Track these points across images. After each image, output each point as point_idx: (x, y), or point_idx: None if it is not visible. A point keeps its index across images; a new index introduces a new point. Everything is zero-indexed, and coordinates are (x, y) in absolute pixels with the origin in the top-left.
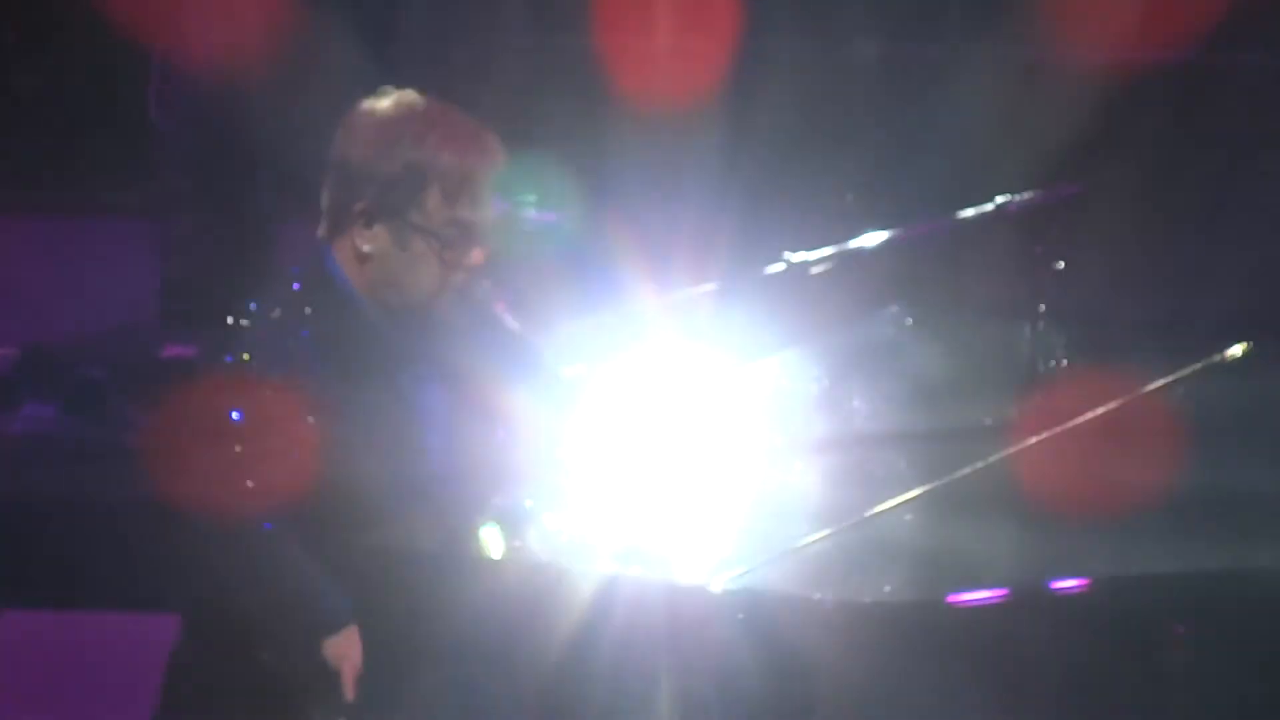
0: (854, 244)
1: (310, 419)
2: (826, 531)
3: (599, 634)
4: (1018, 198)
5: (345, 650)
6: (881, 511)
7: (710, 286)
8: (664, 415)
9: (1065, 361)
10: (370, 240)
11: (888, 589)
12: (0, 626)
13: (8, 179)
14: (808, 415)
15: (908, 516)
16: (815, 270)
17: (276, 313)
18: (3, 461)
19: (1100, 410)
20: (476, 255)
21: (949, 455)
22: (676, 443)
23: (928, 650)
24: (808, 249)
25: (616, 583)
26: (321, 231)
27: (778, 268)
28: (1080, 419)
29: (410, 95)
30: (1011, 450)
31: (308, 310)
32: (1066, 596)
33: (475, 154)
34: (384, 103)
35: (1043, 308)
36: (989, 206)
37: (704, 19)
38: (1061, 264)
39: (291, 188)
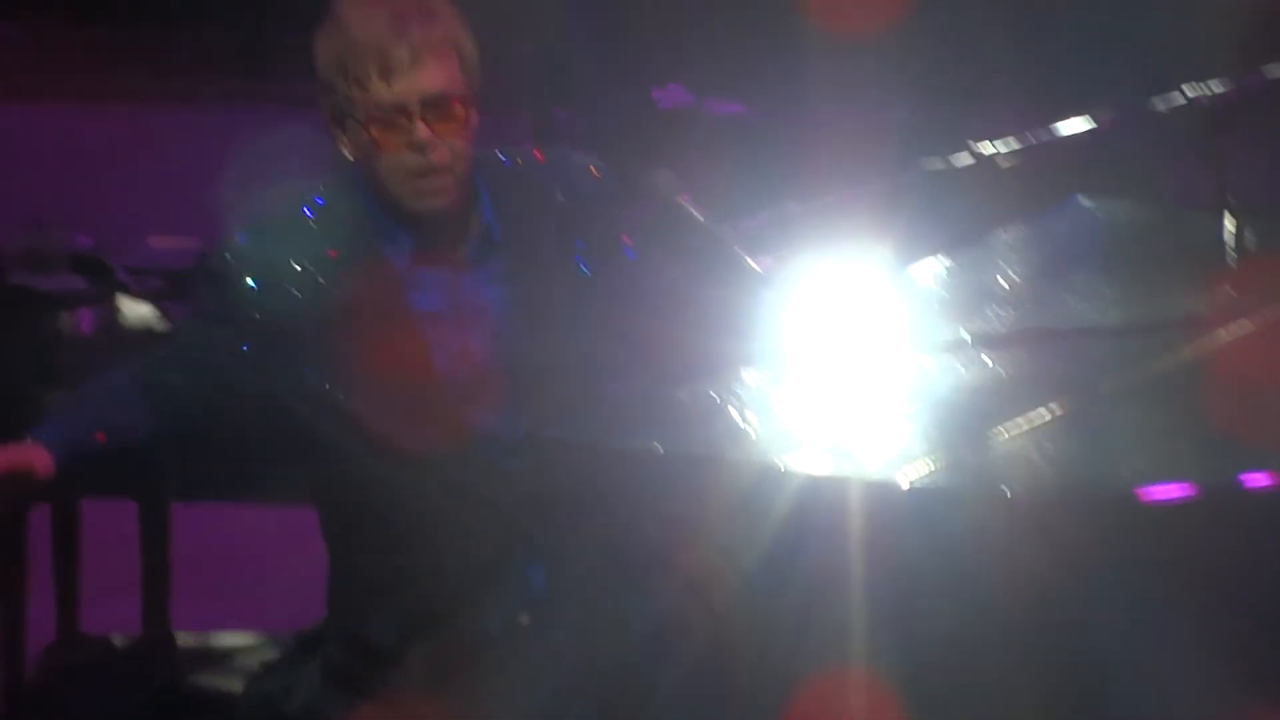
0: (1041, 134)
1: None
2: (1016, 427)
3: (785, 528)
4: (1206, 87)
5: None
6: (1070, 405)
7: (897, 178)
8: (850, 309)
9: (1256, 254)
10: (345, 146)
11: (1075, 483)
12: (178, 521)
13: (190, 69)
14: (994, 309)
15: (1099, 411)
16: (1002, 161)
17: (283, 216)
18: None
19: None
20: (421, 132)
21: (1137, 349)
22: (862, 338)
23: (1117, 546)
24: (992, 140)
25: (804, 478)
26: None
27: (963, 158)
28: (1271, 313)
29: None
30: (1200, 344)
31: (319, 214)
32: (1257, 493)
33: (382, 32)
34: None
35: (1231, 199)
36: (1177, 96)
37: None
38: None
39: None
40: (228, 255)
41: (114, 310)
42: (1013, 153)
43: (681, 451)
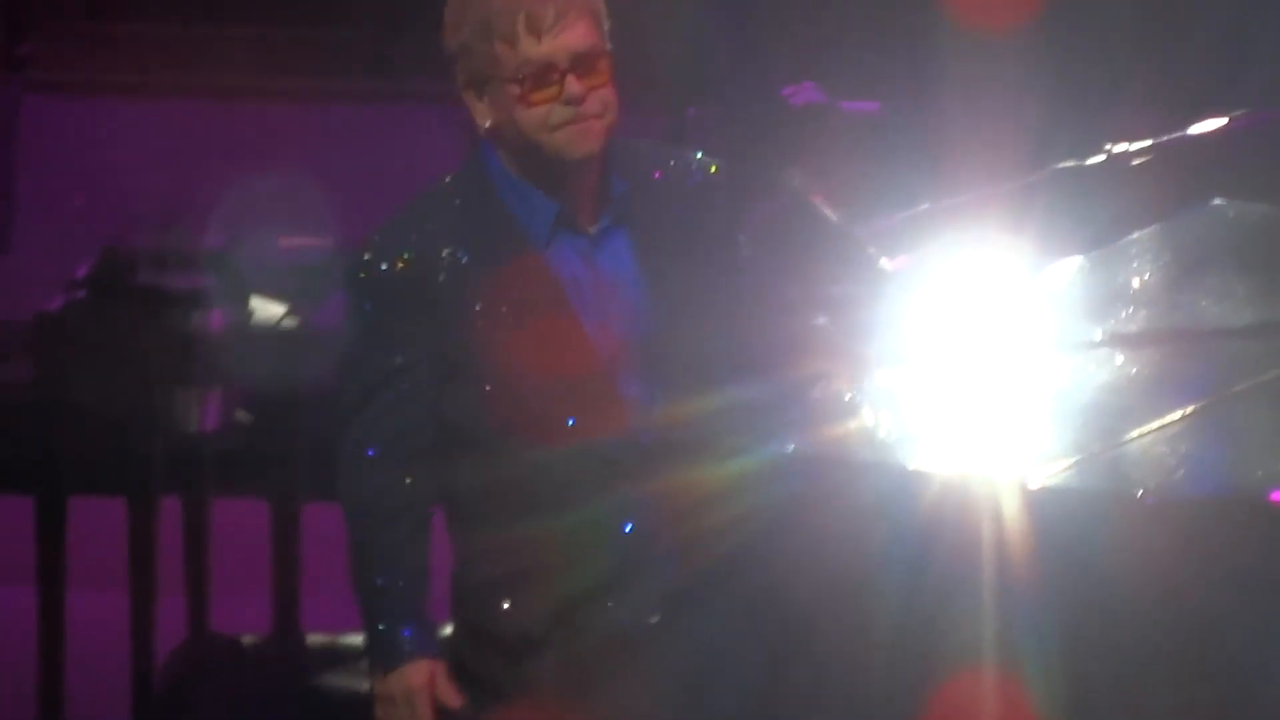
0: (1175, 135)
1: (441, 317)
2: (1149, 427)
3: (917, 528)
4: None
5: (411, 683)
6: (1205, 407)
7: (1032, 179)
8: (983, 309)
9: None
10: (484, 113)
11: (1209, 485)
12: (309, 520)
13: (323, 68)
14: (1128, 310)
15: (1232, 412)
16: (1136, 162)
17: (418, 204)
18: (313, 352)
19: None
20: (572, 87)
21: (1271, 350)
22: (995, 337)
23: (1250, 549)
24: (1129, 140)
25: (936, 478)
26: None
27: (1098, 159)
28: None
29: None
30: None
31: (452, 197)
32: None
33: None
34: None
35: None
36: None
37: None
38: None
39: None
40: (369, 259)
41: (246, 310)
42: (1146, 152)
43: (813, 451)
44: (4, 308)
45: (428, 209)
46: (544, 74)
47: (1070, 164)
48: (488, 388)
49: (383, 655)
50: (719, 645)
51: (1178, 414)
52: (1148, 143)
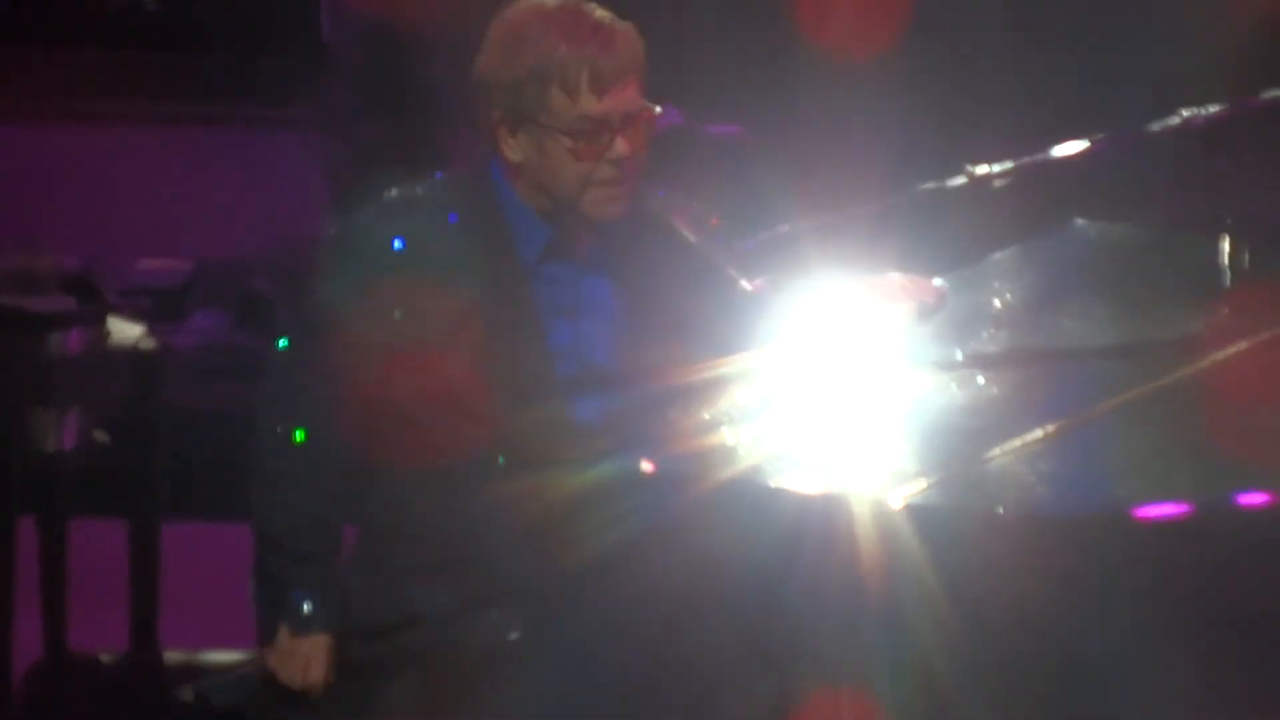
0: (1037, 156)
1: (432, 304)
2: (1010, 446)
3: (777, 548)
4: (1203, 110)
5: (309, 654)
6: (1065, 426)
7: (893, 200)
8: (843, 330)
9: (1251, 276)
10: (516, 148)
11: (1070, 502)
12: (167, 539)
13: (181, 91)
14: (989, 330)
15: (1092, 431)
16: (998, 183)
17: (420, 192)
18: (172, 373)
19: None
20: (620, 147)
21: (1132, 370)
22: (857, 358)
23: (1111, 566)
24: (990, 162)
25: (796, 498)
26: (484, 146)
27: (959, 181)
28: (1267, 334)
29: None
30: (1196, 365)
31: (450, 198)
32: (1253, 512)
33: (593, 46)
34: (514, 10)
35: (1228, 221)
36: (1174, 119)
37: None
38: (1250, 178)
39: (463, 103)
40: (353, 229)
41: (103, 331)
42: (1007, 174)
43: (673, 468)
44: None
45: (423, 202)
46: (597, 131)
47: (931, 185)
48: (430, 389)
49: (287, 617)
50: (579, 663)
51: (1039, 433)
52: (1009, 164)
